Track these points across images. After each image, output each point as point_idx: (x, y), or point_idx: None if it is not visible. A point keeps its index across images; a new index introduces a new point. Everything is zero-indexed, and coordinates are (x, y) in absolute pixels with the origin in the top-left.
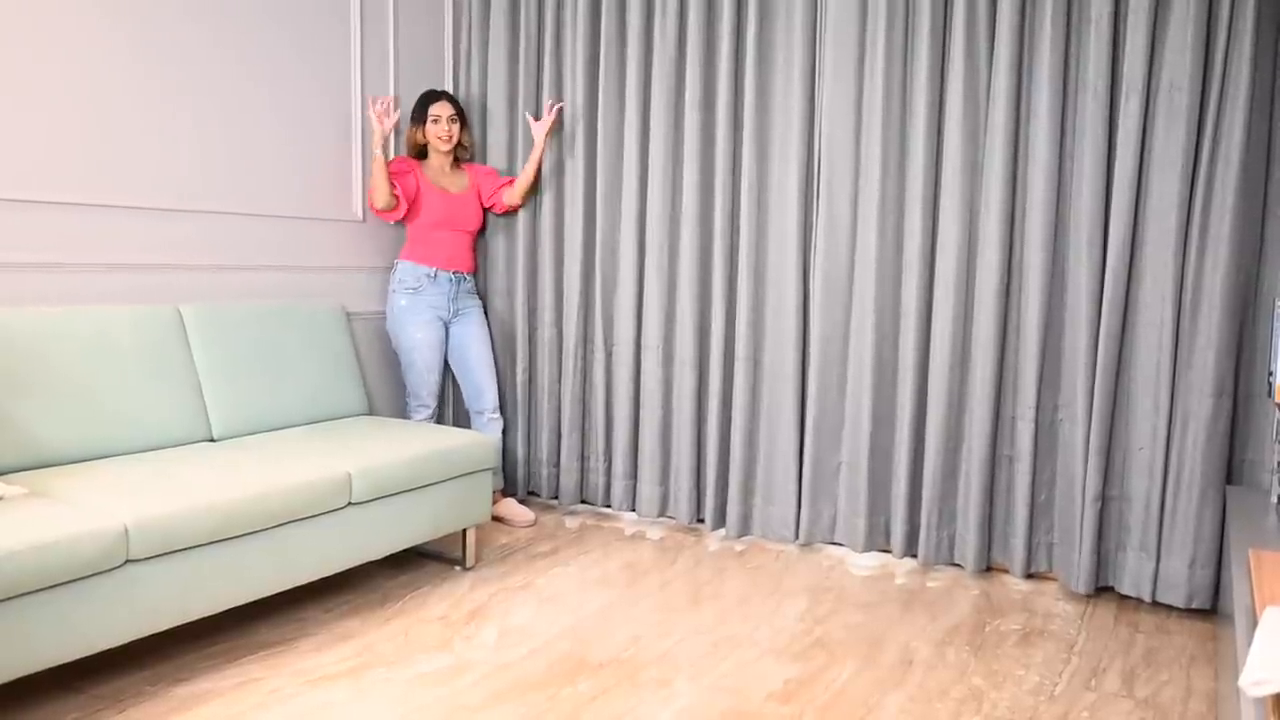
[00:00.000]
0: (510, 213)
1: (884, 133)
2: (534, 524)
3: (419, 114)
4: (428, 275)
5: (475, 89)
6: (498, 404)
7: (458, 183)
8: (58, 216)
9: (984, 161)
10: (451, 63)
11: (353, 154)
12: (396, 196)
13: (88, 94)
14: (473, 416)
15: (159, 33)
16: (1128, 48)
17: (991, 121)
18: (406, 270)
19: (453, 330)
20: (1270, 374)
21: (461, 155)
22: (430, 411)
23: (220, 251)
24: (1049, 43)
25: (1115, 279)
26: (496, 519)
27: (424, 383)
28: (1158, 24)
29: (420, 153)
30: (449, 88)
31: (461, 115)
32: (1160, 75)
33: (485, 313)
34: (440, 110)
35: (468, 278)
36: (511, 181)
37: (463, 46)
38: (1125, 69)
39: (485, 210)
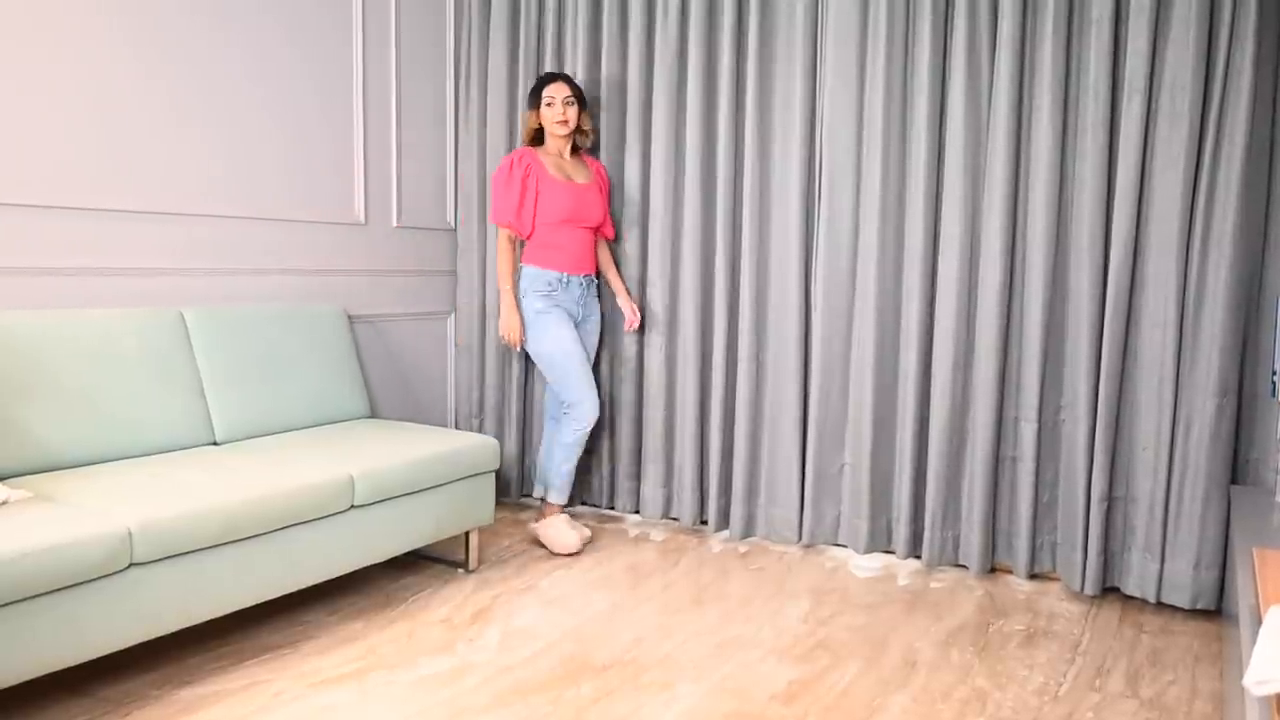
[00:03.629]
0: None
1: (885, 132)
2: (578, 553)
3: (533, 99)
4: (559, 280)
5: (475, 90)
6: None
7: (581, 172)
8: (60, 221)
9: (986, 161)
10: (453, 64)
11: (354, 157)
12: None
13: (90, 99)
14: (560, 414)
15: (161, 36)
16: (1129, 49)
17: (993, 121)
18: (535, 276)
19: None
20: (1274, 373)
21: (581, 143)
22: (591, 405)
23: (223, 255)
24: (1050, 43)
25: (1118, 279)
26: (536, 542)
27: (582, 381)
28: (1159, 25)
29: (537, 137)
30: (449, 89)
31: (580, 97)
32: (1162, 76)
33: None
34: (555, 92)
35: (594, 280)
36: (610, 236)
37: (463, 49)
38: (1127, 70)
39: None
